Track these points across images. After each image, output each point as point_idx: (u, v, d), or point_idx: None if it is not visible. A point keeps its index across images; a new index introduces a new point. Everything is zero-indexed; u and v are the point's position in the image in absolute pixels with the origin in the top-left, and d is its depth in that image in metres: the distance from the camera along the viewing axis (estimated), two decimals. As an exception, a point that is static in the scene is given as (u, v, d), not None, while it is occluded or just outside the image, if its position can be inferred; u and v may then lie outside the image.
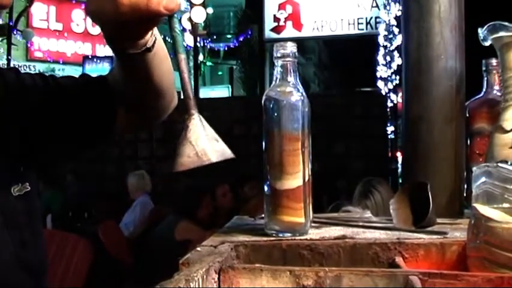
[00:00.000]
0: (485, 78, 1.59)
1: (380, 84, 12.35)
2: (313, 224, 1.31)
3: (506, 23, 1.37)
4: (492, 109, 1.53)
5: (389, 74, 13.28)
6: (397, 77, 13.40)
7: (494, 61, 1.55)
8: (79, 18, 20.38)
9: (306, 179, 1.22)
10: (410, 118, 1.58)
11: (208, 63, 23.41)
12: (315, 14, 13.02)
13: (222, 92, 21.33)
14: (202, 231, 5.11)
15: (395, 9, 12.73)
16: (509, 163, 1.20)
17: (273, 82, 1.25)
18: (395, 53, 13.32)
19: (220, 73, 25.51)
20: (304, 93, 1.23)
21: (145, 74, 1.26)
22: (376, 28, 12.83)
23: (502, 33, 1.38)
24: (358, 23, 12.98)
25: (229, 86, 22.15)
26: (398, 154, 12.76)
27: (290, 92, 1.22)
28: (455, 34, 1.53)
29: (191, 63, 19.11)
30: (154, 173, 8.57)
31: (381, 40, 12.84)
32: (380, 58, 12.81)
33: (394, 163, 10.93)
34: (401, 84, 1.66)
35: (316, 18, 13.01)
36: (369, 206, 3.72)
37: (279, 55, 1.25)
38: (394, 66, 13.13)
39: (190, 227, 5.22)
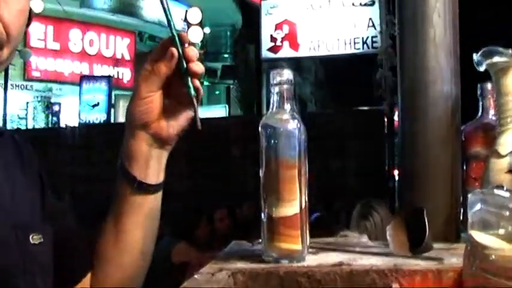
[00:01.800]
0: (481, 103, 1.60)
1: (377, 103, 12.34)
2: (310, 250, 1.31)
3: (500, 48, 1.38)
4: (487, 133, 1.54)
5: (386, 94, 13.30)
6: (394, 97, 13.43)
7: (489, 85, 1.56)
8: (76, 38, 20.44)
9: (303, 206, 1.23)
10: (405, 142, 1.59)
11: (206, 83, 23.47)
12: (312, 34, 13.07)
13: (219, 111, 21.38)
14: (199, 253, 5.11)
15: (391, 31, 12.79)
16: (504, 188, 1.21)
17: (270, 109, 1.26)
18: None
19: (217, 92, 25.57)
20: (300, 120, 1.24)
21: (150, 217, 1.32)
22: (373, 48, 12.87)
23: (496, 59, 1.38)
24: (355, 43, 13.02)
25: (226, 106, 22.21)
26: (395, 172, 12.75)
27: (287, 119, 1.23)
28: (451, 59, 1.54)
29: (189, 83, 19.19)
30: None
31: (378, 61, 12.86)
32: (377, 78, 12.81)
33: (391, 181, 10.90)
34: (398, 106, 1.67)
35: (313, 38, 13.06)
36: (368, 228, 3.73)
37: (275, 82, 1.26)
38: (390, 85, 13.16)
39: (187, 249, 5.22)
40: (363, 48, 13.00)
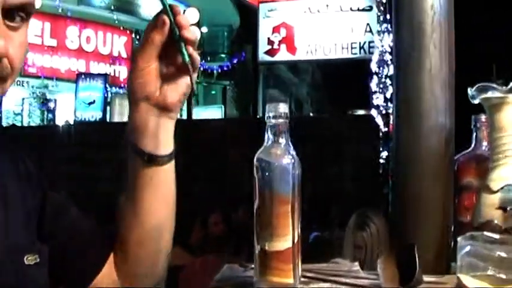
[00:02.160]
0: (474, 134, 1.61)
1: (373, 111, 12.37)
2: (302, 279, 1.32)
3: (494, 85, 1.40)
4: (480, 164, 1.55)
5: (382, 100, 13.33)
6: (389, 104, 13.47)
7: (483, 117, 1.57)
8: (73, 35, 20.40)
9: (295, 240, 1.24)
10: (399, 173, 1.60)
11: (202, 83, 23.47)
12: (309, 37, 13.10)
13: (215, 112, 21.38)
14: (192, 257, 5.11)
15: (389, 39, 12.80)
16: (495, 222, 1.22)
17: (265, 143, 1.27)
18: (388, 80, 13.40)
19: (213, 92, 25.57)
20: (295, 155, 1.25)
21: (166, 187, 1.33)
22: (370, 53, 12.90)
23: (490, 94, 1.40)
24: (352, 48, 13.07)
25: (223, 106, 22.20)
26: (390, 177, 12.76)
27: (281, 154, 1.24)
28: (446, 90, 1.55)
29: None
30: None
31: (373, 67, 12.88)
32: (373, 85, 12.84)
33: (386, 187, 10.93)
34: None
35: (310, 42, 13.09)
36: (364, 238, 3.74)
37: (270, 115, 1.27)
38: (387, 92, 13.20)
39: (180, 253, 5.22)
40: (360, 53, 13.05)
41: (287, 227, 1.22)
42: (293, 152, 1.25)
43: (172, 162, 1.32)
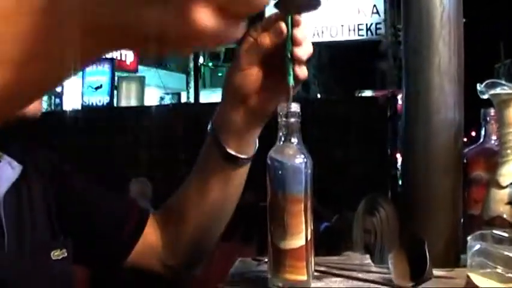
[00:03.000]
0: (484, 128, 1.63)
1: (381, 91, 12.39)
2: (315, 273, 1.35)
3: (503, 82, 1.42)
4: (489, 158, 1.57)
5: (390, 81, 13.32)
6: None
7: (492, 111, 1.59)
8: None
9: (309, 238, 1.26)
10: (407, 168, 1.62)
11: (209, 64, 23.41)
12: (316, 20, 13.07)
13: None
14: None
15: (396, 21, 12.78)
16: (504, 215, 1.25)
17: (277, 142, 1.29)
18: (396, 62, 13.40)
19: (220, 74, 25.53)
20: (307, 154, 1.27)
21: (236, 186, 1.36)
22: (377, 34, 12.88)
23: (499, 91, 1.42)
24: (359, 29, 13.04)
25: (230, 89, 22.13)
26: (398, 156, 12.77)
27: (294, 154, 1.26)
28: (455, 86, 1.56)
29: (191, 65, 19.18)
30: (154, 177, 8.59)
31: (381, 48, 12.90)
32: (380, 66, 12.87)
33: (394, 169, 10.93)
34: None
35: (317, 24, 13.07)
36: (374, 224, 3.77)
37: (282, 114, 1.29)
38: (394, 74, 13.19)
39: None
40: (367, 34, 13.01)
41: (300, 225, 1.24)
42: (305, 151, 1.27)
43: (249, 165, 1.33)
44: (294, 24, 1.14)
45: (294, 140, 1.28)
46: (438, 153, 1.55)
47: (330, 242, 3.95)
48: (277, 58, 1.17)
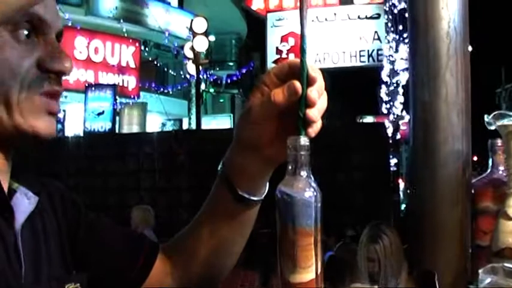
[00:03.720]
0: (491, 158, 1.62)
1: (382, 119, 12.43)
2: (324, 307, 1.34)
3: (511, 113, 1.42)
4: (497, 189, 1.56)
5: (391, 107, 13.35)
6: (401, 112, 13.49)
7: (499, 141, 1.58)
8: (82, 46, 20.43)
9: (318, 271, 1.25)
10: (416, 199, 1.62)
11: (211, 90, 23.49)
12: (317, 46, 13.13)
13: (224, 120, 21.38)
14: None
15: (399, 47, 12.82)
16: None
17: (286, 175, 1.28)
18: (399, 89, 13.44)
19: (221, 100, 25.60)
20: (316, 188, 1.26)
21: (246, 225, 1.34)
22: (379, 61, 12.94)
23: (506, 122, 1.42)
24: (360, 55, 13.11)
25: (231, 115, 22.20)
26: (400, 181, 12.77)
27: (303, 187, 1.25)
28: (462, 117, 1.57)
29: (193, 91, 19.22)
30: (156, 204, 8.58)
31: (383, 75, 12.94)
32: (382, 92, 12.90)
33: (396, 195, 10.92)
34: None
35: (319, 51, 13.13)
36: (377, 251, 3.75)
37: (291, 147, 1.28)
38: (396, 100, 13.21)
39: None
40: (368, 61, 13.07)
41: (310, 258, 1.23)
42: (314, 185, 1.26)
43: (259, 205, 1.32)
44: (309, 82, 1.11)
45: (303, 173, 1.27)
46: (446, 184, 1.55)
47: (334, 272, 3.93)
48: (292, 110, 1.13)
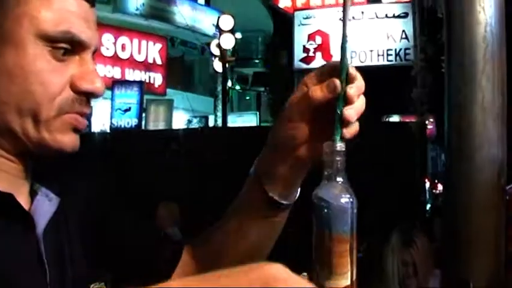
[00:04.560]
0: (526, 164, 1.62)
1: (409, 117, 12.36)
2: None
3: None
4: (532, 196, 1.56)
5: (418, 107, 13.27)
6: (428, 112, 13.41)
7: (535, 148, 1.58)
8: (109, 43, 20.53)
9: (354, 277, 1.25)
10: (451, 205, 1.61)
11: (237, 88, 23.52)
12: (345, 44, 13.07)
13: (249, 118, 21.36)
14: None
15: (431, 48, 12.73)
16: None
17: (322, 180, 1.28)
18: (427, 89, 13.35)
19: (247, 98, 25.60)
20: (352, 193, 1.26)
21: (275, 228, 1.33)
22: (406, 60, 12.87)
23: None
24: (388, 54, 13.04)
25: (257, 113, 22.18)
26: (426, 181, 12.70)
27: (339, 193, 1.24)
28: (498, 123, 1.55)
29: (219, 88, 19.25)
30: (182, 202, 8.59)
31: (411, 74, 12.86)
32: (410, 93, 12.83)
33: (422, 194, 10.85)
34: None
35: (346, 49, 13.07)
36: (412, 254, 3.72)
37: (328, 152, 1.28)
38: (424, 100, 13.14)
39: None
40: (396, 60, 12.99)
41: (346, 265, 1.23)
42: (350, 190, 1.26)
43: (289, 208, 1.31)
44: (349, 80, 1.10)
45: (339, 179, 1.26)
46: (481, 190, 1.54)
47: (360, 274, 3.91)
48: (328, 110, 1.12)
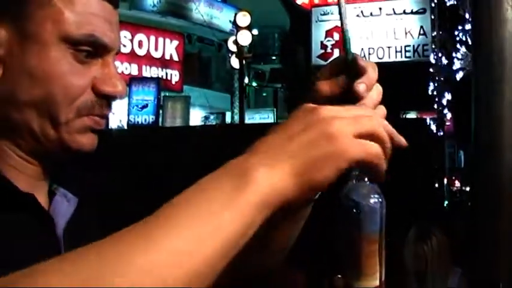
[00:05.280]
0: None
1: (426, 113, 12.31)
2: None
3: None
4: None
5: (436, 104, 13.21)
6: (446, 108, 13.35)
7: None
8: (126, 40, 20.57)
9: (383, 278, 1.24)
10: (479, 204, 1.59)
11: (254, 84, 23.52)
12: (363, 41, 13.06)
13: (266, 115, 21.33)
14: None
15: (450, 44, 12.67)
16: None
17: (350, 180, 1.27)
18: (445, 85, 13.28)
19: (264, 94, 25.59)
20: (381, 194, 1.25)
21: (299, 222, 1.32)
22: (424, 56, 12.82)
23: None
24: (406, 51, 12.99)
25: (274, 109, 22.15)
26: (445, 180, 12.64)
27: (368, 193, 1.23)
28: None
29: (236, 85, 19.26)
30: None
31: (430, 70, 12.80)
32: (428, 89, 12.77)
33: (440, 191, 10.81)
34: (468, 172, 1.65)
35: (364, 46, 13.05)
36: (425, 251, 3.73)
37: (355, 151, 1.26)
38: (443, 97, 13.07)
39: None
40: (414, 56, 12.95)
41: (375, 265, 1.22)
42: (379, 190, 1.25)
43: (313, 202, 1.31)
44: (357, 74, 1.04)
45: (367, 179, 1.26)
46: (509, 189, 1.51)
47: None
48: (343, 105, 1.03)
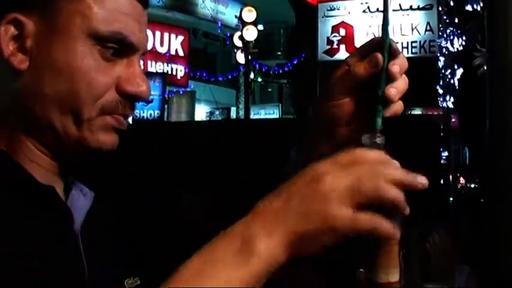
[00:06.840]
0: None
1: (432, 110, 12.28)
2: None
3: None
4: None
5: (443, 100, 13.19)
6: (452, 105, 13.33)
7: None
8: (131, 34, 20.52)
9: (401, 273, 1.24)
10: (492, 199, 1.59)
11: (259, 79, 23.50)
12: (369, 37, 13.02)
13: (272, 110, 21.34)
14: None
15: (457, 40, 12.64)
16: None
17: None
18: (452, 81, 13.25)
19: (269, 89, 25.58)
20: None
21: None
22: (431, 52, 12.79)
23: None
24: (412, 47, 12.97)
25: (279, 105, 22.15)
26: (450, 177, 12.62)
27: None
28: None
29: (241, 80, 19.26)
30: (205, 194, 8.59)
31: (437, 66, 12.77)
32: (435, 86, 12.75)
33: (446, 188, 10.80)
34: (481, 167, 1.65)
35: (370, 42, 13.04)
36: (427, 249, 3.74)
37: (367, 146, 1.26)
38: (450, 93, 13.05)
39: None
40: (420, 52, 12.92)
41: (395, 259, 1.23)
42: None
43: None
44: (392, 56, 1.05)
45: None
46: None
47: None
48: (370, 89, 1.07)
